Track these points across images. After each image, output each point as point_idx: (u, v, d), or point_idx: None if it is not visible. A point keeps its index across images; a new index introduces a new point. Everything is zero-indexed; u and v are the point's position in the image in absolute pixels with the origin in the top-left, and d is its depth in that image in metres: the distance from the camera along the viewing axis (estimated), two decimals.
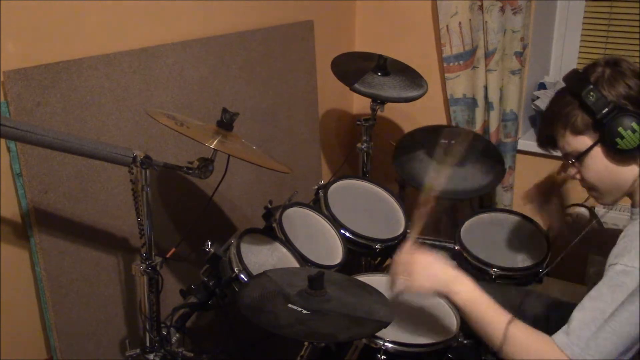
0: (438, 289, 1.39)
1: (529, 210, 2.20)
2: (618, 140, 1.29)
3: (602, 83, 1.31)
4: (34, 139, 1.23)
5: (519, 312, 1.52)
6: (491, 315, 1.32)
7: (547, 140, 1.45)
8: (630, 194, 1.38)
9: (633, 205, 1.38)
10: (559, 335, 1.24)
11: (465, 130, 2.48)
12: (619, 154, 1.32)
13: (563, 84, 1.41)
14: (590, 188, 1.43)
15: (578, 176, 1.42)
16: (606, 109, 1.29)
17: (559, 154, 1.46)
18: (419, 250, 1.44)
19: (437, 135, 2.28)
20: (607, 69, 1.32)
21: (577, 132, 1.35)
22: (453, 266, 1.41)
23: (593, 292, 1.25)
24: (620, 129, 1.28)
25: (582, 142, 1.36)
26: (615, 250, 1.27)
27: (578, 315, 1.24)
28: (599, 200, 1.45)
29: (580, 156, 1.37)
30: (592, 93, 1.31)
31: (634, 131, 1.27)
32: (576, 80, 1.36)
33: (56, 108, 1.55)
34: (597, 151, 1.34)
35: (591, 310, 1.23)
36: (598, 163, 1.36)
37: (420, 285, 1.40)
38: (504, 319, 1.29)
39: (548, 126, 1.43)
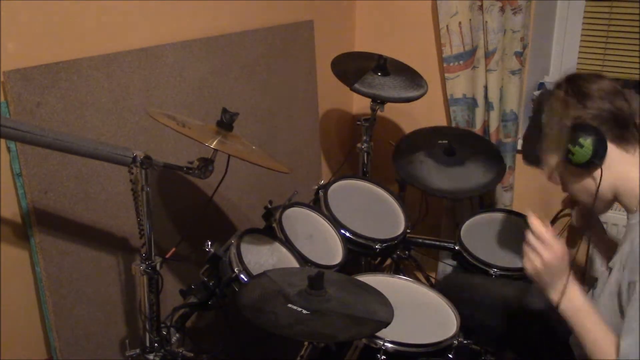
0: (546, 290, 1.35)
1: (528, 210, 2.20)
2: (570, 156, 1.33)
3: (556, 103, 1.36)
4: (34, 139, 1.23)
5: (519, 307, 1.53)
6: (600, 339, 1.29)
7: (531, 159, 1.49)
8: (618, 201, 1.39)
9: (628, 211, 1.39)
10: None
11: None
12: (580, 168, 1.35)
13: (547, 88, 1.44)
14: (577, 201, 1.47)
15: (564, 189, 1.46)
16: (556, 128, 1.35)
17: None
18: (556, 239, 1.35)
19: (436, 135, 2.28)
20: (562, 89, 1.37)
21: (545, 151, 1.41)
22: (570, 275, 1.36)
23: (629, 319, 1.23)
24: (569, 146, 1.32)
25: (552, 159, 1.40)
26: (630, 265, 1.27)
27: (630, 341, 1.23)
28: (593, 210, 1.47)
29: (554, 172, 1.42)
30: (544, 115, 1.37)
31: (581, 146, 1.30)
32: (537, 103, 1.44)
33: (56, 108, 1.55)
34: (563, 168, 1.39)
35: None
36: (568, 178, 1.41)
37: (536, 275, 1.35)
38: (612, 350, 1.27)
39: (527, 147, 1.51)
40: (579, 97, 1.34)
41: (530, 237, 1.34)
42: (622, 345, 1.23)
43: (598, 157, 1.32)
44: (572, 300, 1.32)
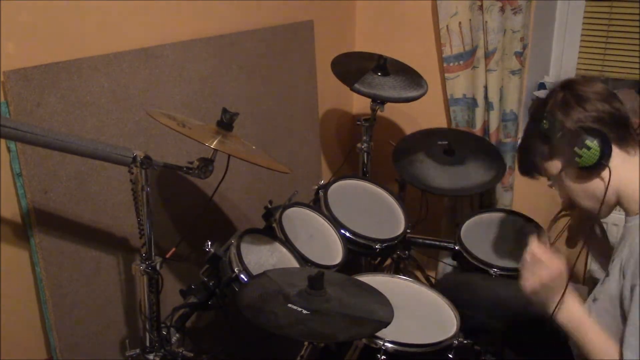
0: (545, 306, 1.37)
1: (529, 210, 2.20)
2: (577, 159, 1.32)
3: (555, 109, 1.35)
4: (34, 139, 1.23)
5: (519, 306, 1.53)
6: (600, 346, 1.31)
7: (528, 169, 1.48)
8: (619, 204, 1.39)
9: (627, 214, 1.38)
10: None
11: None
12: (586, 171, 1.34)
13: (540, 96, 1.43)
14: (579, 207, 1.45)
15: (565, 197, 1.45)
16: (560, 133, 1.33)
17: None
18: (551, 255, 1.38)
19: (436, 136, 2.29)
20: (560, 93, 1.36)
21: (546, 158, 1.40)
22: (569, 289, 1.37)
23: (631, 323, 1.24)
24: (575, 149, 1.31)
25: (554, 166, 1.40)
26: (632, 268, 1.27)
27: (629, 353, 1.24)
28: (593, 215, 1.46)
29: (556, 180, 1.41)
30: (545, 121, 1.36)
31: (588, 148, 1.30)
32: (534, 110, 1.43)
33: (56, 108, 1.55)
34: (568, 173, 1.38)
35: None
36: (572, 184, 1.39)
37: (534, 293, 1.37)
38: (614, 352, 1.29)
39: (523, 157, 1.49)
40: (578, 101, 1.33)
41: (527, 257, 1.37)
42: (625, 353, 1.24)
43: (605, 157, 1.31)
44: (571, 312, 1.34)
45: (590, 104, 1.32)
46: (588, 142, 1.30)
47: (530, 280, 1.36)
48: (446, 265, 2.58)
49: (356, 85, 2.15)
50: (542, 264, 1.35)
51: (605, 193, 1.34)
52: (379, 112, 2.24)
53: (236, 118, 1.53)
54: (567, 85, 1.37)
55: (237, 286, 1.57)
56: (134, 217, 1.44)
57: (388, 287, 1.66)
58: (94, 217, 1.68)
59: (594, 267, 2.44)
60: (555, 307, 1.34)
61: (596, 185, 1.36)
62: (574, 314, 1.35)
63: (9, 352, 1.57)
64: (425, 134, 2.37)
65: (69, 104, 1.58)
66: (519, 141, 1.52)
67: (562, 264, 1.35)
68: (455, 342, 1.57)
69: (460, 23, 2.38)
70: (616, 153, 1.33)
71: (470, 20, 2.38)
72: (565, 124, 1.33)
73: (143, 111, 1.73)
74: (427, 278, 2.38)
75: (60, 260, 1.61)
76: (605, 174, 1.34)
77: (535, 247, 1.37)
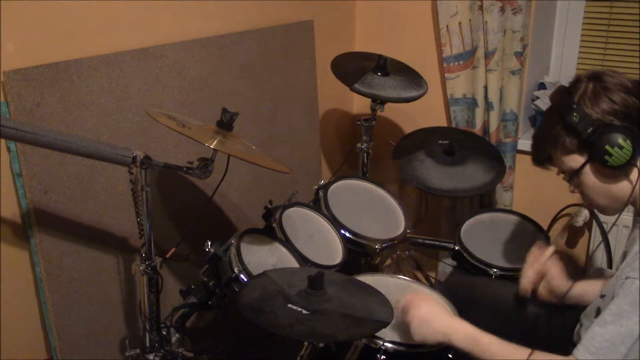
0: (439, 342, 1.42)
1: (529, 210, 2.20)
2: (607, 157, 1.29)
3: (585, 101, 1.31)
4: (34, 139, 1.23)
5: (520, 309, 1.53)
6: (507, 353, 1.32)
7: (543, 159, 1.45)
8: (633, 203, 1.37)
9: (637, 213, 1.37)
10: (582, 353, 1.24)
11: None
12: (611, 170, 1.32)
13: (563, 84, 1.41)
14: (591, 203, 1.43)
15: (576, 191, 1.43)
16: (591, 128, 1.29)
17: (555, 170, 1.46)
18: (416, 302, 1.48)
19: (436, 136, 2.29)
20: (589, 84, 1.32)
21: (568, 151, 1.36)
22: (446, 313, 1.46)
23: (614, 307, 1.23)
24: (607, 147, 1.28)
25: (575, 160, 1.36)
26: (633, 262, 1.26)
27: (600, 332, 1.23)
28: (602, 213, 1.45)
29: (574, 174, 1.37)
30: (575, 114, 1.31)
31: (621, 147, 1.27)
32: (560, 100, 1.37)
33: (56, 108, 1.55)
34: (590, 168, 1.35)
35: (616, 328, 1.22)
36: (592, 180, 1.36)
37: (423, 340, 1.44)
38: (523, 353, 1.29)
39: (540, 147, 1.45)
40: (607, 93, 1.30)
41: (400, 310, 1.48)
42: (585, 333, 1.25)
43: (635, 158, 1.29)
44: (464, 334, 1.38)
45: (619, 96, 1.29)
46: (621, 140, 1.26)
47: (412, 329, 1.44)
48: (446, 265, 2.58)
49: (356, 85, 2.15)
50: (411, 307, 1.45)
51: (639, 191, 1.32)
52: (379, 112, 2.24)
53: (236, 118, 1.53)
54: (596, 77, 1.33)
55: (237, 286, 1.57)
56: (134, 217, 1.44)
57: (388, 287, 1.66)
58: (94, 217, 1.68)
59: (595, 266, 2.44)
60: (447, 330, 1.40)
61: (621, 184, 1.34)
62: (468, 334, 1.37)
63: (9, 352, 1.58)
64: (426, 133, 2.37)
65: (69, 104, 1.58)
66: (536, 129, 1.47)
67: (428, 298, 1.48)
68: None
69: (460, 23, 2.38)
70: None
71: (470, 20, 2.38)
72: (594, 118, 1.29)
73: (143, 111, 1.73)
74: (427, 278, 2.38)
75: (60, 260, 1.61)
76: (633, 174, 1.32)
77: (400, 306, 1.48)
